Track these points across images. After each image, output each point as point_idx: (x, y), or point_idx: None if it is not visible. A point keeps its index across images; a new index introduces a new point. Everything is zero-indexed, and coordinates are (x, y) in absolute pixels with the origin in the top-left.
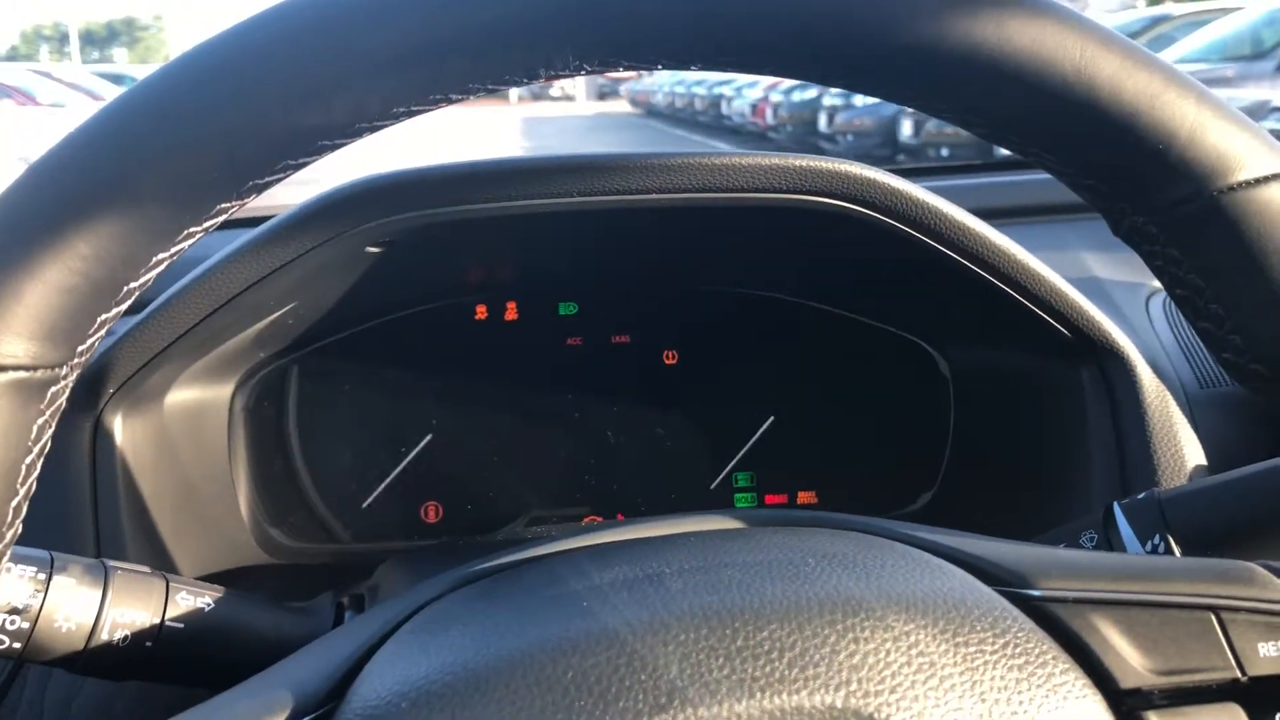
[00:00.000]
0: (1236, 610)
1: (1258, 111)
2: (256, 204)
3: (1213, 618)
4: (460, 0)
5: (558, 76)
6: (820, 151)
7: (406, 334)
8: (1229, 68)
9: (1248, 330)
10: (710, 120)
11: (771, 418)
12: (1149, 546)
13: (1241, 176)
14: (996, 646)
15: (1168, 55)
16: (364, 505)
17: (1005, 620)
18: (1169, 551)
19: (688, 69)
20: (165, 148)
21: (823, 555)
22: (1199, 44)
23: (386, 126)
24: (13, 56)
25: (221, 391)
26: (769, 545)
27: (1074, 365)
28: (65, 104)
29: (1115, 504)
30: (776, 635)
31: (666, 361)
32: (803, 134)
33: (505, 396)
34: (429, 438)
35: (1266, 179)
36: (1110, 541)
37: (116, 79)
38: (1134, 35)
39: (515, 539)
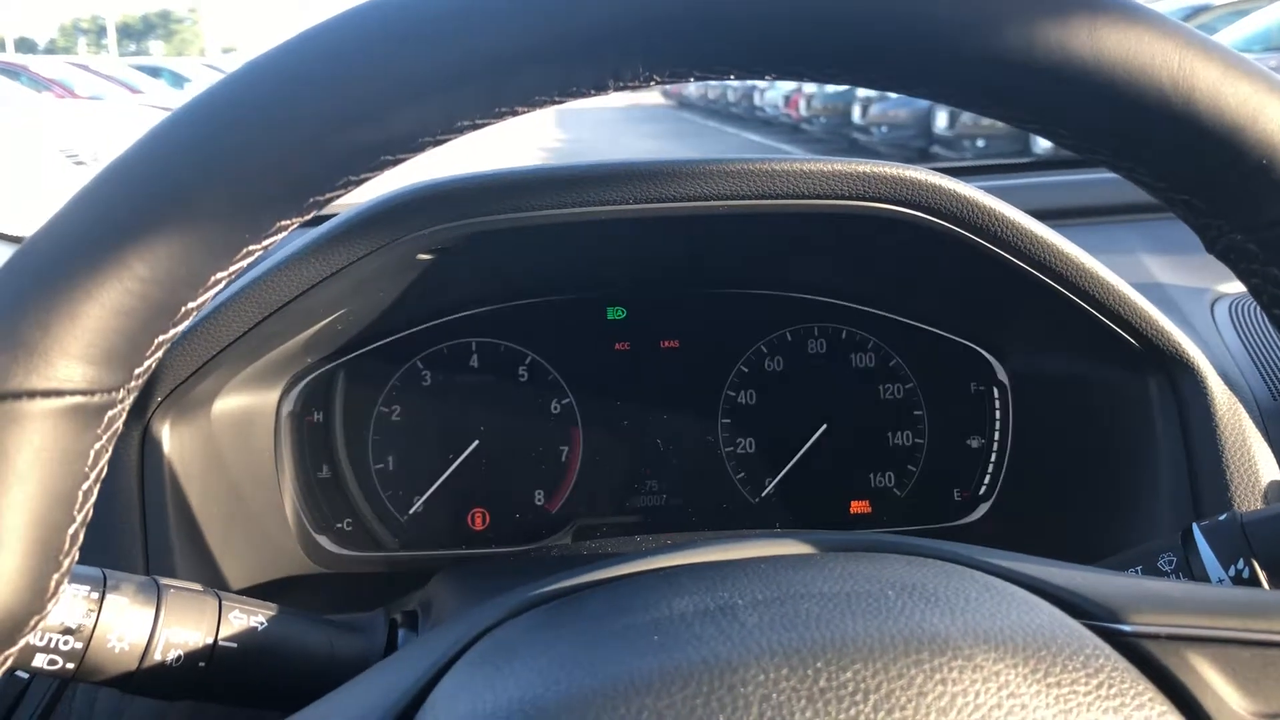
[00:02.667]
0: None
1: None
2: None
3: None
4: (526, 13)
5: (627, 88)
6: (854, 143)
7: (454, 338)
8: (1272, 58)
9: None
10: (743, 112)
11: (824, 425)
12: (1232, 571)
13: None
14: (1090, 687)
15: None
16: (411, 512)
17: (1098, 659)
18: (1253, 576)
19: (760, 79)
20: (224, 166)
21: (903, 587)
22: (1240, 35)
23: (451, 140)
24: (51, 49)
25: (268, 397)
26: (845, 575)
27: (1141, 375)
28: (104, 96)
29: (1195, 525)
30: (861, 676)
31: (716, 367)
32: (837, 125)
33: (552, 402)
34: (476, 444)
35: None
36: (1190, 565)
37: (153, 71)
38: None
39: (564, 549)
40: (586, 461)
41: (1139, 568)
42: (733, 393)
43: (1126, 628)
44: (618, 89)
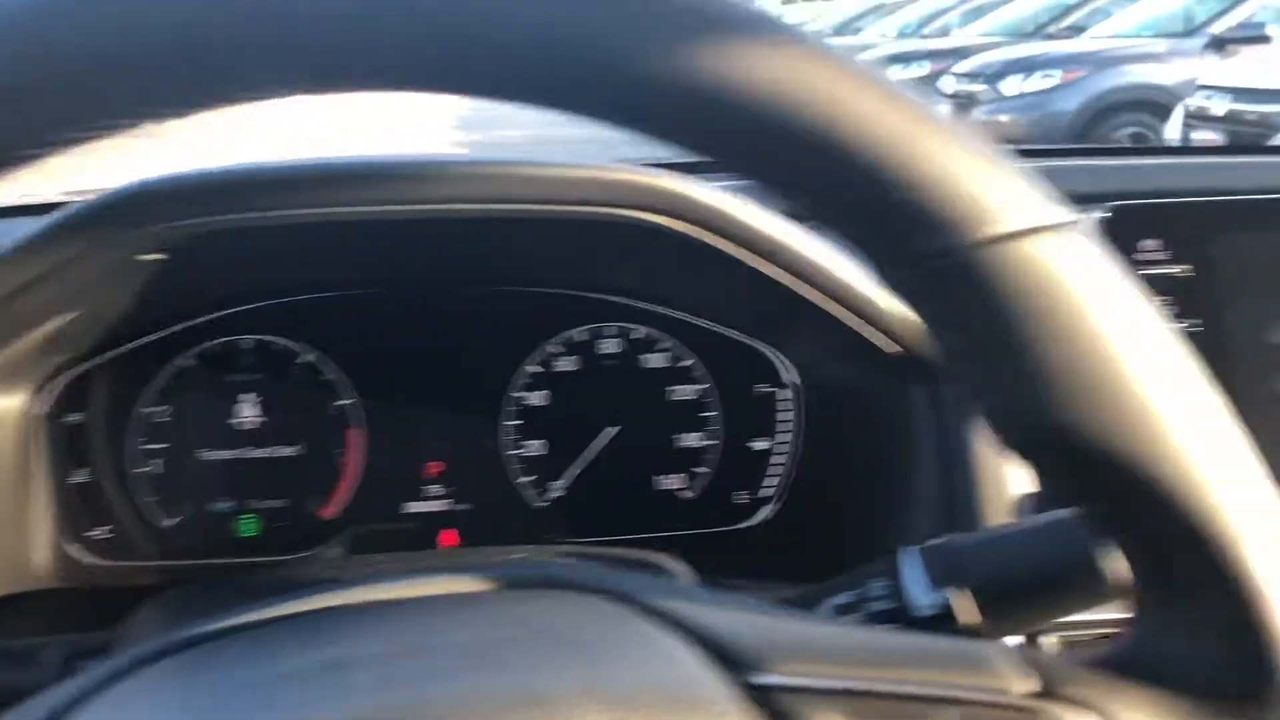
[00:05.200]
0: (964, 703)
1: (1185, 89)
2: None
3: (943, 711)
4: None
5: (249, 100)
6: None
7: (224, 335)
8: (1160, 43)
9: (992, 401)
10: None
11: (613, 428)
12: (929, 600)
13: (998, 229)
14: None
15: (1101, 30)
16: (173, 519)
17: (724, 717)
18: (947, 606)
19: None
20: None
21: (542, 635)
22: (1133, 20)
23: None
24: None
25: (13, 399)
26: (489, 621)
27: (905, 383)
28: None
29: (900, 550)
30: None
31: (503, 367)
32: None
33: (319, 405)
34: (245, 447)
35: (1024, 233)
36: (900, 591)
37: None
38: (1067, 10)
39: (330, 562)
40: (364, 466)
41: (852, 593)
42: (519, 394)
43: (767, 679)
44: (240, 101)
